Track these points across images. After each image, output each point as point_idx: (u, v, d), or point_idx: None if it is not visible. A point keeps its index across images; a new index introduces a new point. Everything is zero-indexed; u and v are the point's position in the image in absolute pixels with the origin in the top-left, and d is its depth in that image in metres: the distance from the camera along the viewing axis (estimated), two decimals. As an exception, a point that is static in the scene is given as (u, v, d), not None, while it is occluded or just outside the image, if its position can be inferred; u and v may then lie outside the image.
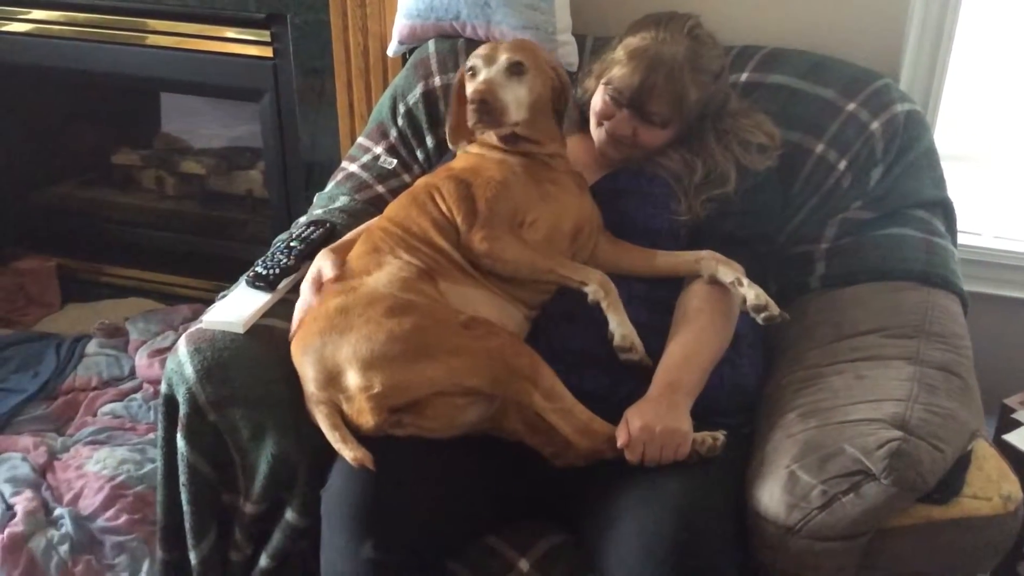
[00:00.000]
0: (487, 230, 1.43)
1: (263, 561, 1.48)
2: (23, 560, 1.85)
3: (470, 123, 1.47)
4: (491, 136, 1.54)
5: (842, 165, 1.69)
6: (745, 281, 1.43)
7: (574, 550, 1.40)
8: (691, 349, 1.40)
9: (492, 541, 1.42)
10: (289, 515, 1.45)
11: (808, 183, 1.71)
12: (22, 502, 1.97)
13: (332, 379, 1.35)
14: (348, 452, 1.33)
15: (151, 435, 2.20)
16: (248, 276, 1.60)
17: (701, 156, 1.56)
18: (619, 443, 1.31)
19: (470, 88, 1.47)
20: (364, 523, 1.28)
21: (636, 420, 1.31)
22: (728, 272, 1.44)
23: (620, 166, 1.64)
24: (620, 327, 1.40)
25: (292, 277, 1.60)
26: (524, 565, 1.39)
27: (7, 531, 1.89)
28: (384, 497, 1.30)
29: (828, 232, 1.68)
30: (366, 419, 1.34)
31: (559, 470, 1.41)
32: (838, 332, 1.51)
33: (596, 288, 1.41)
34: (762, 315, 1.40)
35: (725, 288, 1.45)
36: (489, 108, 1.44)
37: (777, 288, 1.60)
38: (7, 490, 2.02)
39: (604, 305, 1.41)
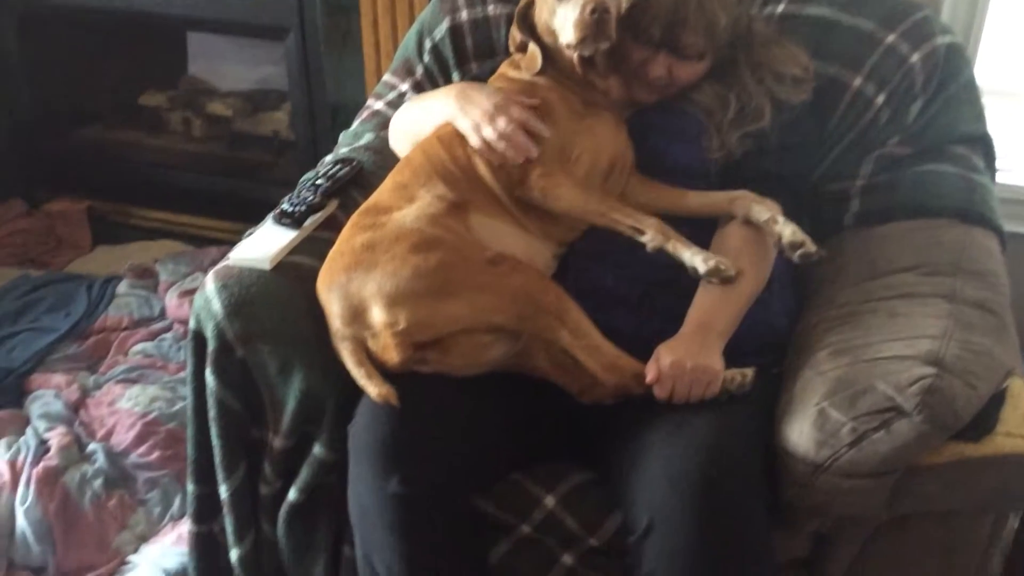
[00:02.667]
0: (543, 167, 1.41)
1: (292, 495, 1.49)
2: (58, 493, 1.89)
3: (576, 39, 1.40)
4: (529, 64, 1.50)
5: (880, 99, 1.64)
6: (781, 219, 1.39)
7: (599, 487, 1.40)
8: (726, 290, 1.38)
9: (518, 478, 1.43)
10: (317, 450, 1.46)
11: (844, 118, 1.66)
12: (56, 437, 2.01)
13: (357, 315, 1.35)
14: (373, 388, 1.33)
15: (181, 374, 2.23)
16: (275, 214, 1.59)
17: (734, 90, 1.51)
18: (648, 379, 1.30)
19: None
20: (390, 458, 1.29)
21: (667, 356, 1.30)
22: (763, 210, 1.41)
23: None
24: (697, 256, 1.36)
25: (318, 215, 1.59)
26: (550, 501, 1.39)
27: (42, 464, 1.93)
28: (409, 433, 1.31)
29: (864, 169, 1.64)
30: (391, 355, 1.34)
31: (585, 407, 1.41)
32: (872, 270, 1.48)
33: (654, 234, 1.37)
34: (799, 253, 1.37)
35: (759, 228, 1.42)
36: (609, 19, 1.39)
37: (810, 227, 1.57)
38: (41, 426, 2.06)
39: (669, 248, 1.37)
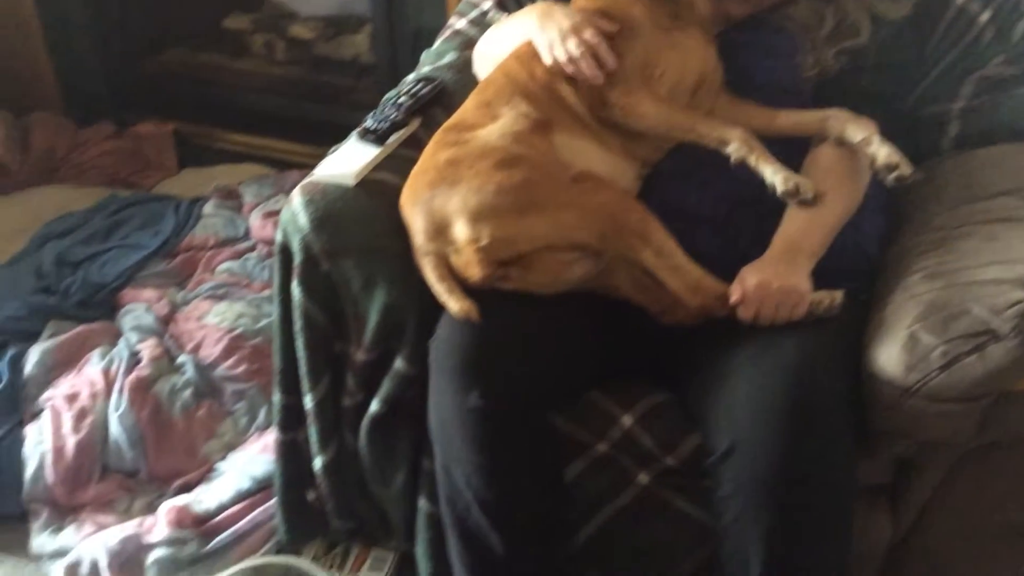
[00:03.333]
0: (624, 84, 1.38)
1: (374, 406, 1.52)
2: (149, 401, 1.97)
3: None
4: None
5: (984, 17, 1.56)
6: (876, 139, 1.34)
7: (678, 408, 1.40)
8: (816, 212, 1.34)
9: (595, 397, 1.43)
10: (399, 364, 1.48)
11: (945, 37, 1.59)
12: (147, 349, 2.09)
13: (440, 231, 1.36)
14: (454, 304, 1.34)
15: (266, 292, 2.28)
16: (358, 131, 1.60)
17: (831, 4, 1.46)
18: (732, 299, 1.28)
19: None
20: (469, 373, 1.31)
21: (753, 277, 1.28)
22: (857, 130, 1.36)
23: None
24: (777, 173, 1.32)
25: (401, 132, 1.59)
26: (627, 420, 1.40)
27: (134, 374, 2.01)
28: (489, 348, 1.32)
29: (964, 90, 1.57)
30: (473, 271, 1.34)
31: (666, 329, 1.40)
32: (969, 194, 1.43)
33: (739, 145, 1.33)
34: (893, 175, 1.32)
35: (853, 149, 1.38)
36: None
37: (905, 150, 1.51)
38: (133, 338, 2.14)
39: (752, 161, 1.33)
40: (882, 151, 1.33)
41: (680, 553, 1.47)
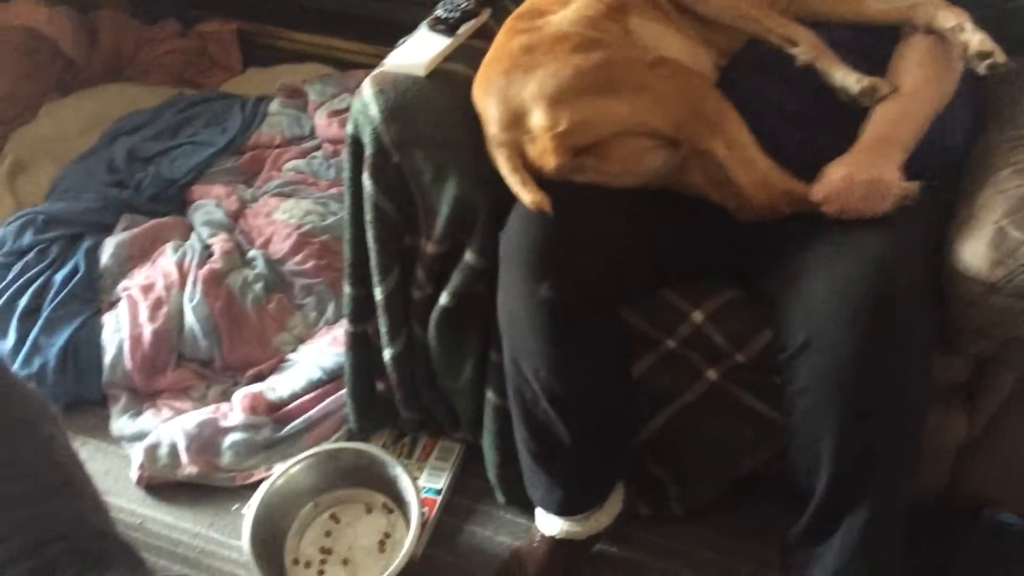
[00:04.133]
0: None
1: (443, 299, 1.54)
2: (222, 293, 2.01)
3: None
4: None
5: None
6: (968, 26, 1.28)
7: (750, 305, 1.39)
8: (907, 104, 1.30)
9: (666, 293, 1.43)
10: (468, 256, 1.48)
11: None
12: (219, 243, 2.12)
13: (516, 119, 1.33)
14: (527, 195, 1.33)
15: (332, 191, 2.30)
16: (429, 20, 1.57)
17: None
18: (817, 198, 1.24)
19: None
20: (541, 264, 1.30)
21: (839, 169, 1.24)
22: (949, 17, 1.30)
23: None
24: (848, 76, 1.30)
25: (472, 21, 1.56)
26: (698, 317, 1.39)
27: (207, 267, 2.05)
28: (561, 240, 1.31)
29: (1062, -20, 1.48)
30: (548, 160, 1.32)
31: (742, 225, 1.38)
32: (1065, 89, 1.36)
33: (806, 48, 1.30)
34: (987, 63, 1.26)
35: (945, 40, 1.32)
36: None
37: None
38: (204, 232, 2.17)
39: (819, 66, 1.31)
40: (975, 38, 1.27)
41: (745, 449, 1.48)
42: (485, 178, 1.40)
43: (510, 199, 1.36)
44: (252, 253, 2.12)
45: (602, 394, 1.42)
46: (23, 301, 2.03)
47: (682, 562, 1.61)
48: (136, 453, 1.81)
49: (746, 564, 1.60)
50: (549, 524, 1.53)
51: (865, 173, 1.23)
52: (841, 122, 1.34)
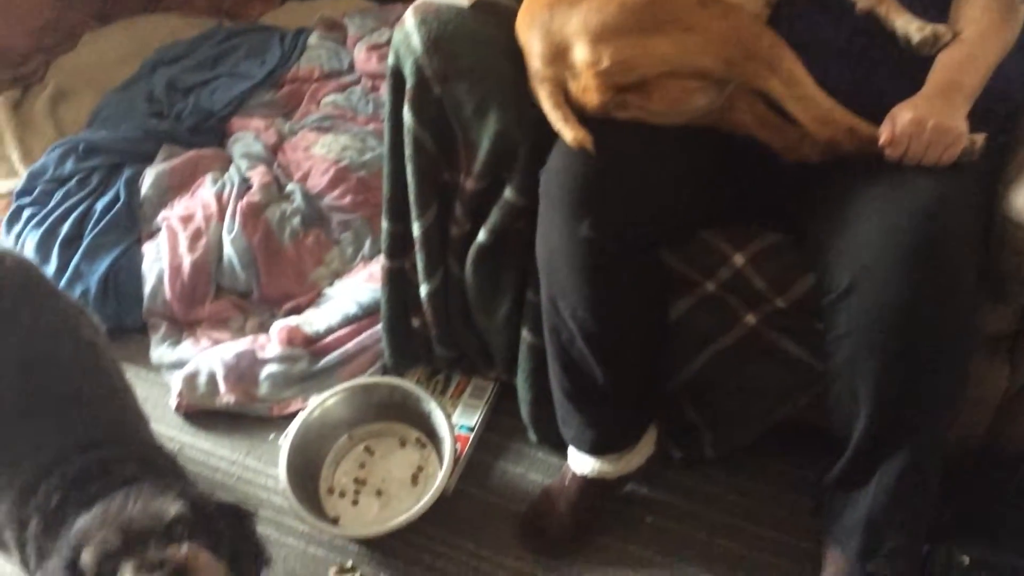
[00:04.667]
0: None
1: (481, 237, 1.53)
2: (261, 226, 2.02)
3: None
4: None
5: None
6: None
7: (791, 250, 1.36)
8: (974, 49, 1.25)
9: (707, 235, 1.40)
10: (508, 193, 1.47)
11: None
12: (257, 176, 2.12)
13: (559, 54, 1.31)
14: (569, 132, 1.31)
15: (370, 126, 2.28)
16: (473, -50, 1.54)
17: None
18: (882, 140, 1.21)
19: None
20: (581, 203, 1.29)
21: (907, 113, 1.20)
22: None
23: None
24: (911, 23, 1.26)
25: (518, -48, 1.52)
26: (739, 260, 1.37)
27: (245, 199, 2.06)
28: (603, 178, 1.29)
29: None
30: (591, 97, 1.30)
31: (786, 167, 1.35)
32: None
33: None
34: None
35: None
36: None
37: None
38: (243, 164, 2.17)
39: (881, 11, 1.27)
40: None
41: (782, 395, 1.46)
42: (527, 114, 1.38)
43: (552, 136, 1.34)
44: (290, 187, 2.12)
45: (638, 336, 1.41)
46: (65, 228, 2.05)
47: (713, 505, 1.62)
48: (175, 381, 1.83)
49: (778, 509, 1.60)
50: (581, 463, 1.54)
51: (935, 119, 1.18)
52: (897, 65, 1.30)
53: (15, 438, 1.21)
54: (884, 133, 1.21)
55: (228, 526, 1.18)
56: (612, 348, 1.39)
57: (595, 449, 1.51)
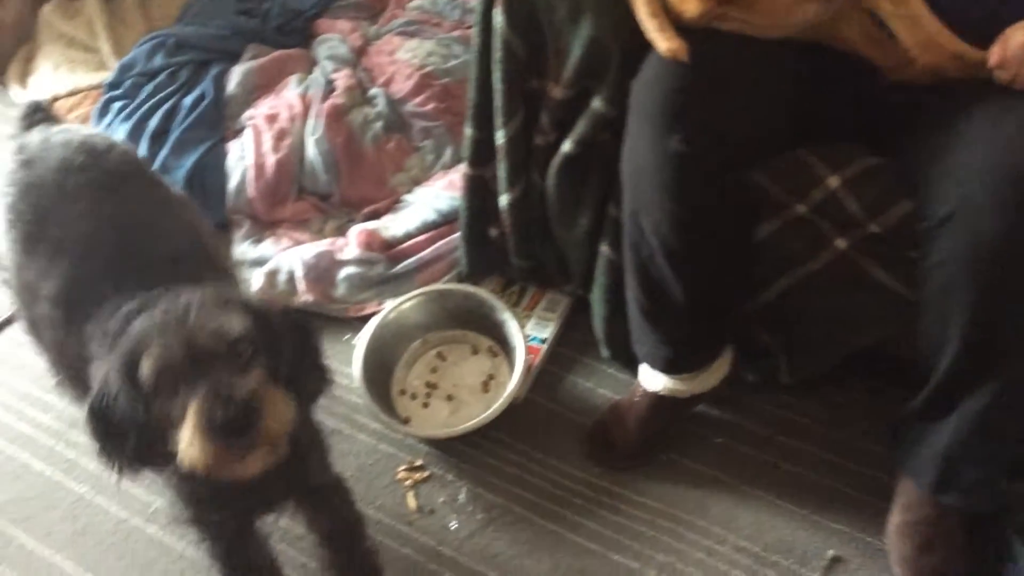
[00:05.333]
0: None
1: (566, 146, 1.50)
2: (343, 129, 2.03)
3: None
4: None
5: None
6: None
7: (890, 174, 1.31)
8: None
9: (802, 155, 1.36)
10: (596, 104, 1.44)
11: None
12: (342, 78, 2.12)
13: (659, -42, 1.26)
14: (663, 42, 1.26)
15: (455, 32, 2.25)
16: None
17: None
18: (992, 62, 1.14)
19: None
20: (673, 116, 1.25)
21: (1020, 34, 1.13)
22: None
23: None
24: None
25: None
26: (834, 182, 1.33)
27: (329, 101, 2.06)
28: (696, 92, 1.25)
29: None
30: (690, 6, 1.25)
31: (889, 88, 1.29)
32: None
33: None
34: None
35: None
36: None
37: None
38: (328, 66, 2.17)
39: None
40: None
41: (866, 324, 1.43)
42: (621, 21, 1.33)
43: (646, 46, 1.30)
44: (373, 91, 2.11)
45: (721, 255, 1.39)
46: (153, 122, 2.08)
47: (785, 430, 1.61)
48: (256, 278, 1.87)
49: (850, 437, 1.58)
50: (653, 380, 1.54)
51: None
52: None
53: (103, 284, 1.20)
54: (994, 55, 1.14)
55: (292, 342, 1.11)
56: (693, 267, 1.37)
57: (668, 367, 1.50)
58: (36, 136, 1.40)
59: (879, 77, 1.29)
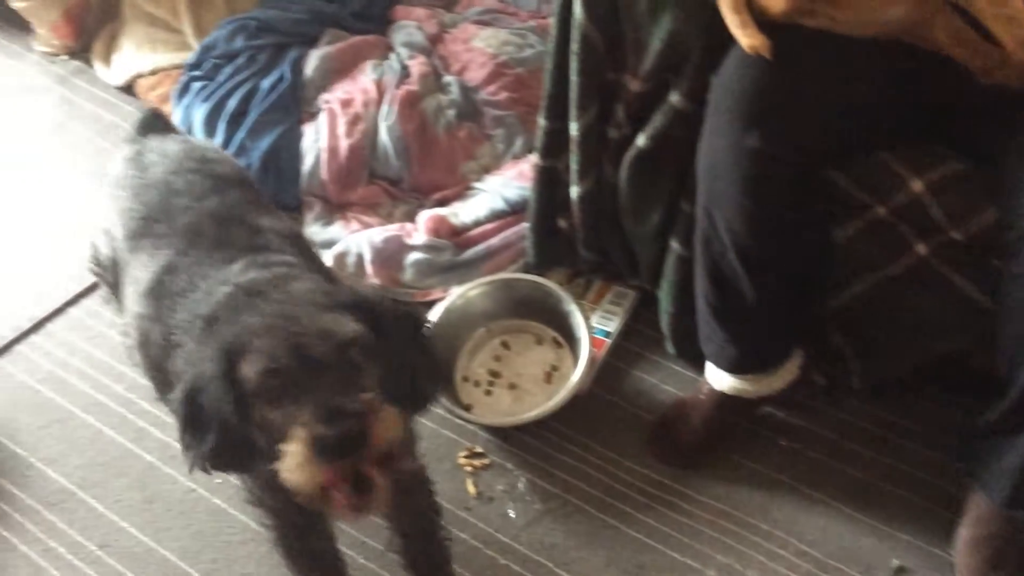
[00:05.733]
0: None
1: (640, 140, 1.50)
2: (416, 116, 2.04)
3: None
4: None
5: None
6: None
7: (977, 180, 1.28)
8: None
9: (884, 157, 1.33)
10: (674, 98, 1.43)
11: None
12: (416, 65, 2.13)
13: (745, -47, 1.24)
14: (745, 38, 1.24)
15: (531, 22, 2.25)
16: None
17: None
18: None
19: None
20: (753, 112, 1.24)
21: None
22: None
23: None
24: None
25: None
26: (917, 186, 1.30)
27: (404, 88, 2.08)
28: (777, 90, 1.23)
29: None
30: (776, 2, 1.23)
31: (980, 90, 1.25)
32: None
33: None
34: None
35: None
36: None
37: None
38: (404, 53, 2.19)
39: None
40: None
41: (944, 332, 1.39)
42: (703, 15, 1.32)
43: (727, 40, 1.28)
44: (447, 79, 2.12)
45: (796, 255, 1.37)
46: (232, 103, 2.12)
47: (852, 436, 1.59)
48: (326, 259, 1.89)
49: (921, 446, 1.56)
50: (719, 379, 1.52)
51: None
52: None
53: (196, 272, 1.21)
54: None
55: (403, 340, 1.04)
56: (766, 266, 1.35)
57: (736, 367, 1.49)
58: (153, 144, 1.43)
59: (969, 80, 1.26)
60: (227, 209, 1.31)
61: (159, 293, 1.22)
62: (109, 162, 1.49)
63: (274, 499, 1.18)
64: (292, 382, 0.94)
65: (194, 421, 1.00)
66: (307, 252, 1.40)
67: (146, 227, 1.31)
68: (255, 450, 0.99)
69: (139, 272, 1.28)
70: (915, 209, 1.30)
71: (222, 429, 0.98)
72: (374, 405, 0.95)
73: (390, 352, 1.02)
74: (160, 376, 1.23)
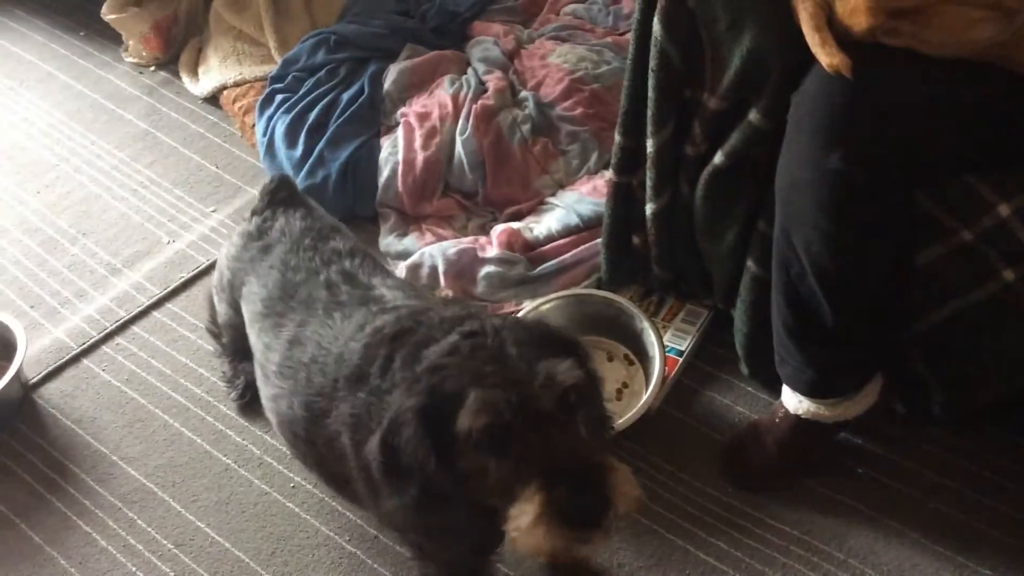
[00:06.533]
0: None
1: (717, 158, 1.48)
2: (492, 130, 2.05)
3: None
4: None
5: None
6: None
7: (1068, 205, 1.24)
8: None
9: (971, 180, 1.29)
10: (753, 116, 1.41)
11: None
12: (493, 80, 2.15)
13: (830, -29, 1.22)
14: (826, 57, 1.22)
15: (608, 39, 2.25)
16: None
17: None
18: None
19: None
20: (834, 132, 1.22)
21: None
22: None
23: None
24: None
25: None
26: (1004, 210, 1.26)
27: (480, 103, 2.09)
28: (860, 109, 1.21)
29: None
30: (859, 20, 1.21)
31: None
32: None
33: None
34: None
35: None
36: None
37: None
38: (480, 68, 2.21)
39: None
40: None
41: (1030, 365, 1.35)
42: (785, 32, 1.30)
43: (808, 59, 1.27)
44: (523, 94, 2.14)
45: (877, 279, 1.34)
46: (312, 115, 2.17)
47: (933, 466, 1.54)
48: (401, 270, 1.92)
49: (1004, 480, 1.50)
50: (795, 402, 1.49)
51: None
52: None
53: (321, 328, 1.25)
54: None
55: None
56: (845, 289, 1.32)
57: (812, 391, 1.46)
58: (278, 223, 1.44)
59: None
60: (339, 275, 1.34)
61: (289, 368, 1.26)
62: (234, 230, 1.56)
63: (444, 551, 1.13)
64: (514, 435, 0.87)
65: (396, 468, 0.94)
66: (420, 296, 1.40)
67: (268, 308, 1.35)
68: (460, 503, 0.92)
69: (266, 355, 1.32)
70: (1002, 234, 1.26)
71: (425, 479, 0.93)
72: (611, 464, 0.88)
73: (595, 392, 0.95)
74: (306, 448, 1.25)
